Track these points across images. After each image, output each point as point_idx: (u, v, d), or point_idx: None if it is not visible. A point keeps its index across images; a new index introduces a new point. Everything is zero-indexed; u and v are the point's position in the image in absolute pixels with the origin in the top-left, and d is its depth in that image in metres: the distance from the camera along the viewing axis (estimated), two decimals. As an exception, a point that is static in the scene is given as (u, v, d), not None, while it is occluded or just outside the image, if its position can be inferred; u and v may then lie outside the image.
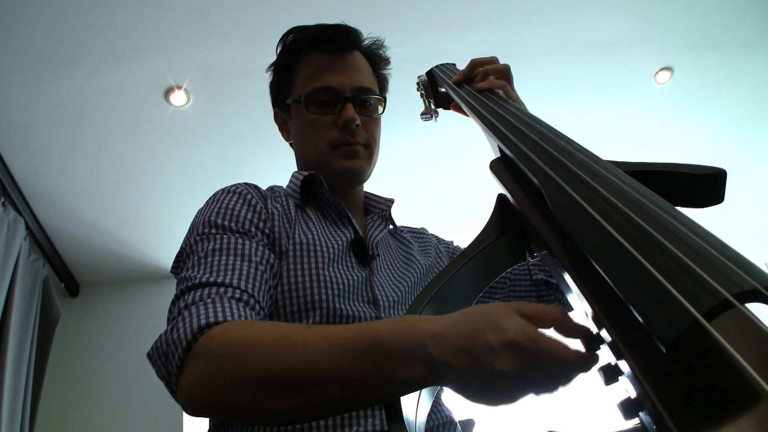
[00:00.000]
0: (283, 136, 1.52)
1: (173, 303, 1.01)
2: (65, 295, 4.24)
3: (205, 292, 0.98)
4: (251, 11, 2.94)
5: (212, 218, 1.15)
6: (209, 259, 1.06)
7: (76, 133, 3.33)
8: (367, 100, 1.38)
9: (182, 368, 0.88)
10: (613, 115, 3.89)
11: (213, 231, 1.13)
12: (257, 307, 1.02)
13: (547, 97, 3.48)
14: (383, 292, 1.23)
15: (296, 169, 1.46)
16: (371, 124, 1.39)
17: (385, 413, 0.75)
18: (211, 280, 1.01)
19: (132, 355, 4.02)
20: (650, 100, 3.87)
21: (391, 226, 1.49)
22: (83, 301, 4.33)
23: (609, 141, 3.85)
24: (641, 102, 3.87)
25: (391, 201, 1.48)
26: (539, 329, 0.67)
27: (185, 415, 3.83)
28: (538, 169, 0.82)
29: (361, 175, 1.39)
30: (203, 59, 3.11)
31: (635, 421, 0.58)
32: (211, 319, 0.90)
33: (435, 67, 1.50)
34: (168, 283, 4.34)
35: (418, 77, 1.55)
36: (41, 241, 3.79)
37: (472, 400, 0.68)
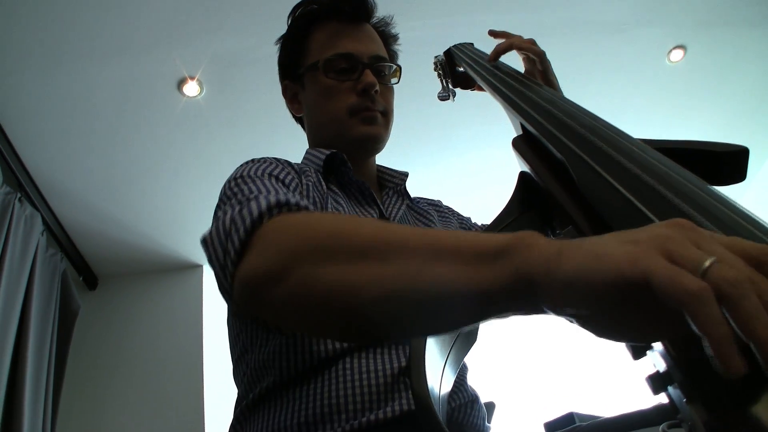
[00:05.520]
0: (292, 109, 1.51)
1: (217, 231, 0.89)
2: (84, 288, 4.26)
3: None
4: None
5: (239, 176, 1.09)
6: (250, 189, 0.99)
7: (90, 127, 3.33)
8: (383, 69, 1.40)
9: (248, 242, 0.81)
10: (626, 94, 3.86)
11: (244, 180, 1.06)
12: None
13: (559, 77, 3.45)
14: None
15: (308, 146, 1.46)
16: (387, 92, 1.41)
17: (411, 392, 0.74)
18: (254, 195, 0.93)
19: (152, 345, 4.06)
20: (664, 79, 3.84)
21: (408, 202, 1.48)
22: (102, 294, 4.34)
23: (622, 121, 3.81)
24: (655, 81, 3.84)
25: (406, 174, 1.48)
26: None
27: (206, 407, 3.84)
28: (563, 145, 0.82)
29: (379, 143, 1.40)
30: (216, 49, 3.11)
31: (662, 397, 0.58)
32: (292, 200, 0.86)
33: (453, 46, 1.49)
34: (185, 274, 4.37)
35: (436, 57, 1.55)
36: (58, 235, 3.81)
37: (602, 328, 0.52)
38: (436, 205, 1.58)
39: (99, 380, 3.95)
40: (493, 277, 0.57)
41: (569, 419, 1.71)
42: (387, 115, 1.40)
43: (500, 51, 1.34)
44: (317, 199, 1.19)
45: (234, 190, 1.03)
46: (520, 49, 1.33)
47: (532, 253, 0.55)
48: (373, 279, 0.66)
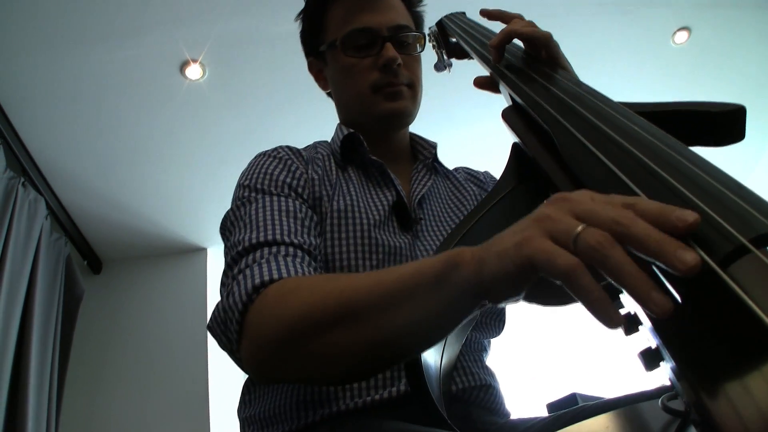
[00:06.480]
0: (319, 85, 1.48)
1: (225, 273, 1.02)
2: (88, 272, 4.27)
3: (258, 254, 0.98)
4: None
5: (251, 183, 1.15)
6: (254, 218, 1.06)
7: (93, 110, 3.34)
8: (406, 39, 1.33)
9: (241, 331, 0.87)
10: (630, 76, 3.84)
11: (253, 194, 1.13)
12: (308, 258, 1.01)
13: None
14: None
15: (337, 121, 1.43)
16: (412, 62, 1.34)
17: (405, 374, 0.74)
18: (261, 239, 1.00)
19: (157, 329, 4.07)
20: (668, 60, 3.82)
21: (443, 171, 1.45)
22: (106, 278, 4.35)
23: (627, 103, 3.80)
24: (659, 63, 3.82)
25: (434, 146, 1.44)
26: None
27: (211, 389, 3.86)
28: (548, 115, 0.81)
29: (407, 117, 1.34)
30: (218, 31, 3.10)
31: (655, 374, 0.57)
32: (266, 278, 0.90)
33: (445, 17, 1.44)
34: (190, 257, 4.39)
35: (429, 29, 1.51)
36: (62, 220, 3.82)
37: (544, 302, 0.63)
38: (478, 178, 1.52)
39: (104, 364, 3.97)
40: (446, 298, 0.66)
41: (572, 400, 1.70)
42: (414, 86, 1.33)
43: (500, 43, 1.09)
44: (325, 192, 1.19)
45: (241, 212, 1.11)
46: (520, 36, 1.09)
47: (463, 273, 0.64)
48: (353, 341, 0.75)
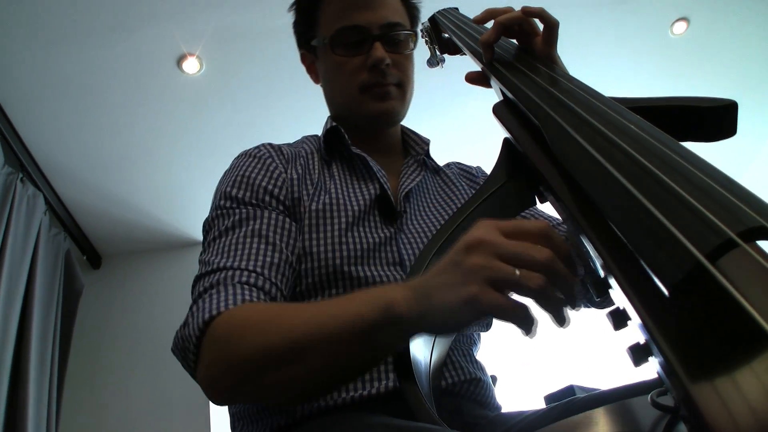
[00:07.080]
0: (311, 78, 1.46)
1: (194, 286, 1.05)
2: (87, 267, 4.27)
3: (215, 278, 1.01)
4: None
5: (228, 189, 1.16)
6: (223, 239, 1.09)
7: (91, 106, 3.33)
8: (397, 37, 1.30)
9: (197, 361, 0.92)
10: (629, 67, 3.83)
11: (228, 204, 1.13)
12: (267, 285, 1.02)
13: (561, 49, 3.41)
14: (410, 250, 1.18)
15: (327, 113, 1.43)
16: (403, 61, 1.32)
17: (394, 368, 0.75)
18: (222, 263, 1.03)
19: (156, 324, 4.06)
20: (666, 51, 3.81)
21: (433, 166, 1.44)
22: (105, 273, 4.35)
23: (625, 94, 3.77)
24: (658, 54, 3.81)
25: (427, 143, 1.42)
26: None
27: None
28: (539, 110, 0.81)
29: (395, 117, 1.33)
30: (215, 25, 3.09)
31: (644, 368, 0.57)
32: (213, 312, 0.93)
33: (437, 12, 1.44)
34: (188, 251, 4.40)
35: (422, 24, 1.51)
36: (61, 215, 3.82)
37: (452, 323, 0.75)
38: (470, 173, 1.51)
39: (104, 358, 3.97)
40: (385, 339, 0.80)
41: (570, 392, 1.70)
42: (403, 86, 1.31)
43: (490, 40, 1.08)
44: (305, 191, 1.19)
45: (216, 223, 1.14)
46: (511, 25, 1.08)
47: (400, 324, 0.77)
48: (303, 376, 0.84)
